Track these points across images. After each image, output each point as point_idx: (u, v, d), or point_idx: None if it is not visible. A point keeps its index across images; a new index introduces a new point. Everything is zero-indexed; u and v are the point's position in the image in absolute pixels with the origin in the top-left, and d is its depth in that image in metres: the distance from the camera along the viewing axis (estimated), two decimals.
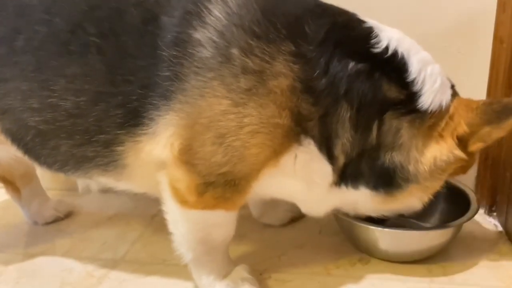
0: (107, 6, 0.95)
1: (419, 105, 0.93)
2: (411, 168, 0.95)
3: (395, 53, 0.92)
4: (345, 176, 0.96)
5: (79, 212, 1.47)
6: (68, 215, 1.44)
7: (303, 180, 0.97)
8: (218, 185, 0.93)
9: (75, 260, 1.22)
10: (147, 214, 1.42)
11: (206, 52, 0.88)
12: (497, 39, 1.20)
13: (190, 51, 0.88)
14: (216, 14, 0.89)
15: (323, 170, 0.96)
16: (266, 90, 0.88)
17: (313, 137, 0.92)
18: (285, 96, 0.88)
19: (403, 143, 0.94)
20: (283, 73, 0.88)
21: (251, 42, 0.87)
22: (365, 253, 1.18)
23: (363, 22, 0.96)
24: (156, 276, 1.14)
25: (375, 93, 0.91)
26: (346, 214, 1.12)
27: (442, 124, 0.95)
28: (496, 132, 0.94)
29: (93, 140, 0.97)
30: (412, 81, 0.93)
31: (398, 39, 0.94)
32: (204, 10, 0.89)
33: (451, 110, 0.95)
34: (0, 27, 0.99)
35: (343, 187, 0.98)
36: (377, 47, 0.92)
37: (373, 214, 1.07)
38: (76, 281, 1.14)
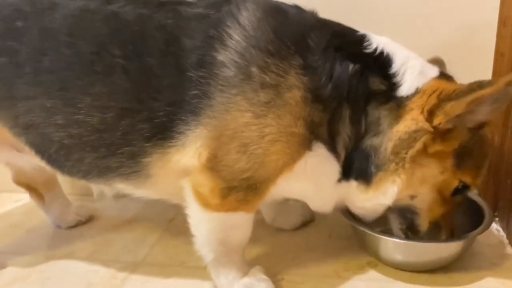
0: (130, 29, 1.02)
1: (398, 93, 1.01)
2: (382, 149, 1.01)
3: (382, 52, 1.02)
4: (343, 170, 1.04)
5: (99, 216, 1.54)
6: (89, 219, 1.51)
7: (312, 180, 1.06)
8: (241, 189, 1.00)
9: (98, 262, 1.29)
10: (165, 218, 1.49)
11: (229, 72, 0.96)
12: (498, 53, 1.26)
13: (215, 71, 0.96)
14: (236, 38, 0.97)
15: (332, 169, 1.04)
16: (282, 101, 0.96)
17: (323, 141, 1.01)
18: (299, 106, 0.97)
19: (382, 129, 1.01)
20: (296, 85, 0.97)
21: (267, 60, 0.96)
22: (380, 261, 1.21)
23: (357, 31, 1.07)
24: (175, 278, 1.21)
25: (363, 88, 1.00)
26: (362, 224, 1.18)
27: (413, 100, 1.01)
28: (456, 107, 0.96)
29: (118, 152, 1.04)
30: (394, 73, 1.01)
31: (386, 42, 1.05)
32: (225, 34, 0.98)
33: (424, 87, 1.01)
34: (25, 48, 1.05)
35: (342, 182, 1.05)
36: (369, 49, 1.02)
37: (360, 206, 1.11)
38: (101, 282, 1.20)
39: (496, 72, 1.28)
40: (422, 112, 0.99)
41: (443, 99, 0.97)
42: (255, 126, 0.96)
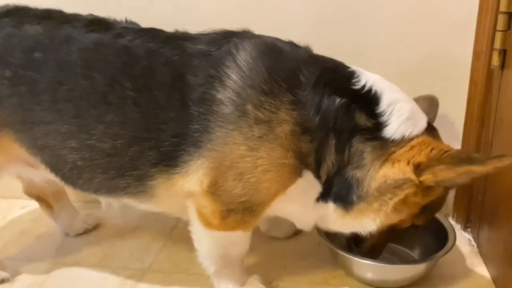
0: (140, 64, 1.10)
1: (383, 134, 1.07)
2: (365, 184, 1.08)
3: (370, 90, 1.08)
4: (323, 192, 1.12)
5: (105, 224, 1.64)
6: (96, 227, 1.61)
7: (300, 202, 1.16)
8: (238, 211, 1.11)
9: (107, 269, 1.39)
10: (167, 226, 1.59)
11: (227, 109, 1.06)
12: (473, 83, 1.39)
13: (214, 108, 1.06)
14: (233, 77, 1.06)
15: (315, 190, 1.13)
16: (274, 135, 1.06)
17: (311, 169, 1.10)
18: (288, 139, 1.06)
19: (365, 163, 1.08)
20: (285, 120, 1.06)
21: (261, 98, 1.05)
22: (353, 278, 1.31)
23: (347, 67, 1.14)
24: (181, 285, 1.32)
25: (349, 121, 1.07)
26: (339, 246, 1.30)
27: (401, 151, 1.07)
28: (446, 172, 1.02)
29: (126, 175, 1.14)
30: (380, 113, 1.07)
31: (375, 80, 1.11)
32: (224, 74, 1.06)
33: (414, 142, 1.07)
34: (43, 78, 1.13)
35: (320, 203, 1.14)
36: (357, 85, 1.09)
37: (337, 229, 1.20)
38: None
39: (470, 99, 1.41)
40: (408, 164, 1.06)
41: (433, 159, 1.04)
42: (249, 158, 1.05)
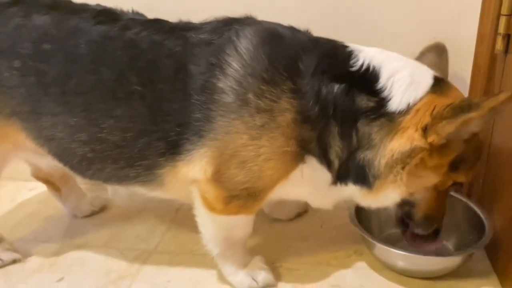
0: (145, 58, 1.11)
1: (388, 109, 1.05)
2: (376, 163, 1.08)
3: (367, 68, 1.07)
4: (339, 176, 1.13)
5: (111, 206, 1.67)
6: (102, 209, 1.64)
7: (309, 185, 1.18)
8: (242, 197, 1.14)
9: (115, 250, 1.43)
10: (172, 208, 1.63)
11: (228, 98, 1.07)
12: (476, 66, 1.39)
13: (215, 97, 1.07)
14: (235, 66, 1.07)
15: (323, 176, 1.14)
16: (275, 124, 1.07)
17: (314, 154, 1.12)
18: (290, 128, 1.07)
19: (375, 143, 1.07)
20: (287, 109, 1.07)
21: (262, 87, 1.06)
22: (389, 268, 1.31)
23: (345, 47, 1.12)
24: (186, 265, 1.36)
25: (351, 106, 1.06)
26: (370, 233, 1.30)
27: (408, 119, 1.05)
28: (447, 127, 1.00)
29: (136, 165, 1.16)
30: (381, 88, 1.06)
31: (373, 56, 1.09)
32: (225, 62, 1.07)
33: (418, 105, 1.05)
34: (52, 70, 1.14)
35: (338, 185, 1.15)
36: (354, 66, 1.07)
37: (365, 205, 1.21)
38: (120, 269, 1.35)
39: (473, 83, 1.42)
40: (416, 130, 1.04)
41: (435, 117, 1.02)
42: (251, 146, 1.07)
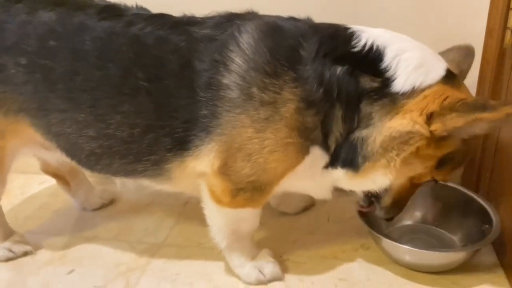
0: (150, 53, 1.12)
1: (392, 89, 1.03)
2: (370, 141, 1.06)
3: (371, 48, 1.05)
4: (331, 159, 1.13)
5: (120, 199, 1.69)
6: (111, 202, 1.66)
7: (309, 176, 1.18)
8: (248, 190, 1.15)
9: (124, 243, 1.45)
10: (180, 201, 1.64)
11: (233, 93, 1.07)
12: (485, 60, 1.39)
13: (221, 94, 1.08)
14: (238, 61, 1.07)
15: (323, 161, 1.14)
16: (279, 116, 1.07)
17: (318, 143, 1.10)
18: (293, 118, 1.07)
19: (373, 122, 1.06)
20: (289, 99, 1.07)
21: (265, 80, 1.06)
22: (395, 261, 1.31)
23: (347, 29, 1.11)
24: (194, 258, 1.38)
25: (354, 87, 1.05)
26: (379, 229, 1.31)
27: (414, 101, 1.03)
28: (456, 120, 0.99)
29: (144, 159, 1.17)
30: (385, 68, 1.04)
31: (377, 35, 1.07)
32: (228, 59, 1.08)
33: (427, 92, 1.03)
34: (58, 67, 1.15)
35: (329, 169, 1.14)
36: (356, 47, 1.06)
37: (349, 189, 1.20)
38: (129, 262, 1.37)
39: (481, 77, 1.41)
40: (421, 114, 1.02)
41: (445, 108, 1.00)
42: (256, 139, 1.08)
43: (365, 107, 1.06)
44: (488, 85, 1.38)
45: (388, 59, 1.04)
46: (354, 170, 1.11)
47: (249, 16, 1.15)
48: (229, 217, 1.23)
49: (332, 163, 1.13)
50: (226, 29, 1.12)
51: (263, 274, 1.28)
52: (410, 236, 1.35)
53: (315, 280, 1.29)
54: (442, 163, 1.11)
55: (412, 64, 1.04)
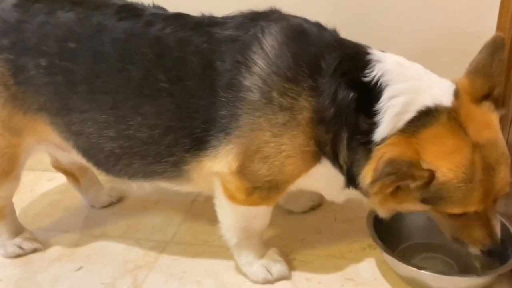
0: (171, 55, 1.12)
1: (373, 137, 1.03)
2: (361, 178, 1.06)
3: (376, 83, 1.03)
4: (349, 180, 1.13)
5: (128, 197, 1.69)
6: (120, 199, 1.67)
7: (323, 184, 1.20)
8: (264, 188, 1.16)
9: (132, 240, 1.47)
10: (187, 199, 1.65)
11: (254, 96, 1.08)
12: None
13: (242, 95, 1.08)
14: (260, 64, 1.07)
15: (337, 178, 1.14)
16: (296, 122, 1.08)
17: (328, 157, 1.12)
18: (309, 126, 1.07)
19: (359, 160, 1.06)
20: (305, 107, 1.07)
21: (285, 85, 1.07)
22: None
23: (368, 54, 1.08)
24: (202, 256, 1.39)
25: (355, 119, 1.04)
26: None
27: (377, 150, 1.01)
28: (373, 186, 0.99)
29: (163, 161, 1.18)
30: (377, 110, 1.02)
31: (387, 70, 1.04)
32: (250, 60, 1.08)
33: (382, 145, 1.01)
34: (79, 69, 1.16)
35: (351, 189, 1.14)
36: (367, 76, 1.04)
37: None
38: (137, 259, 1.39)
39: None
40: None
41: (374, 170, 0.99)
42: (273, 143, 1.09)
43: (356, 145, 1.06)
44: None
45: (383, 101, 1.02)
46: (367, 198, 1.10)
47: (274, 17, 1.14)
48: (242, 215, 1.23)
49: (351, 184, 1.13)
50: (249, 29, 1.11)
51: (270, 273, 1.28)
52: (424, 255, 1.31)
53: (322, 279, 1.29)
54: (429, 202, 1.04)
55: (394, 111, 1.01)
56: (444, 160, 0.98)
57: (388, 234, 1.30)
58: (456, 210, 1.05)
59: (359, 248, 1.39)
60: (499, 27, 1.34)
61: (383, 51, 1.11)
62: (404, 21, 1.43)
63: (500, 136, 1.04)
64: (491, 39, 1.08)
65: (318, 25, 1.15)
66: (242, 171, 1.13)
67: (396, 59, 1.08)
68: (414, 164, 0.97)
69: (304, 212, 1.57)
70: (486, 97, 1.05)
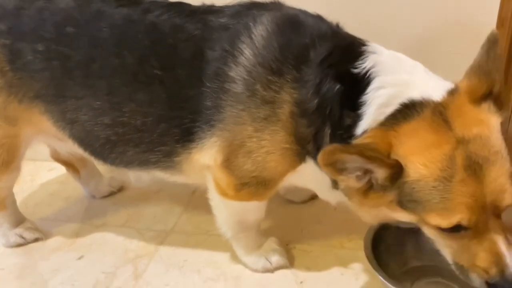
0: (165, 42, 1.11)
1: (355, 131, 0.97)
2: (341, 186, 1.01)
3: (365, 74, 0.97)
4: (331, 179, 1.05)
5: (128, 187, 1.70)
6: (120, 190, 1.67)
7: (313, 182, 1.18)
8: (252, 184, 1.14)
9: (132, 230, 1.47)
10: (188, 189, 1.64)
11: (238, 88, 1.05)
12: None
13: (226, 86, 1.06)
14: (247, 54, 1.04)
15: (325, 179, 1.06)
16: (276, 117, 1.04)
17: (313, 156, 1.05)
18: (289, 122, 1.04)
19: None
20: (286, 101, 1.04)
21: (269, 77, 1.03)
22: None
23: (362, 45, 1.03)
24: (202, 245, 1.40)
25: (339, 113, 0.98)
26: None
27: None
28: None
29: (156, 150, 1.17)
30: (362, 102, 0.96)
31: (379, 62, 0.98)
32: (238, 50, 1.05)
33: (362, 137, 0.96)
34: (76, 54, 1.15)
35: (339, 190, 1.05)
36: (357, 68, 0.98)
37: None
38: (137, 249, 1.39)
39: None
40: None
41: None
42: (255, 138, 1.06)
43: (338, 143, 0.99)
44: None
45: (368, 92, 0.96)
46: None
47: (270, 7, 1.12)
48: (234, 209, 1.23)
49: (334, 184, 1.05)
50: (242, 18, 1.09)
51: (269, 262, 1.29)
52: (431, 280, 1.21)
53: (321, 268, 1.30)
54: (406, 206, 0.94)
55: (378, 103, 0.95)
56: (418, 155, 0.89)
57: (393, 254, 1.23)
58: (439, 220, 0.90)
59: (359, 238, 1.38)
60: (500, 16, 1.33)
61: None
62: (407, 12, 1.42)
63: (494, 135, 0.92)
64: (487, 36, 1.00)
65: (316, 17, 1.11)
66: (228, 166, 1.12)
67: (393, 53, 1.03)
68: (378, 150, 0.88)
69: (304, 202, 1.57)
70: (486, 97, 0.95)
